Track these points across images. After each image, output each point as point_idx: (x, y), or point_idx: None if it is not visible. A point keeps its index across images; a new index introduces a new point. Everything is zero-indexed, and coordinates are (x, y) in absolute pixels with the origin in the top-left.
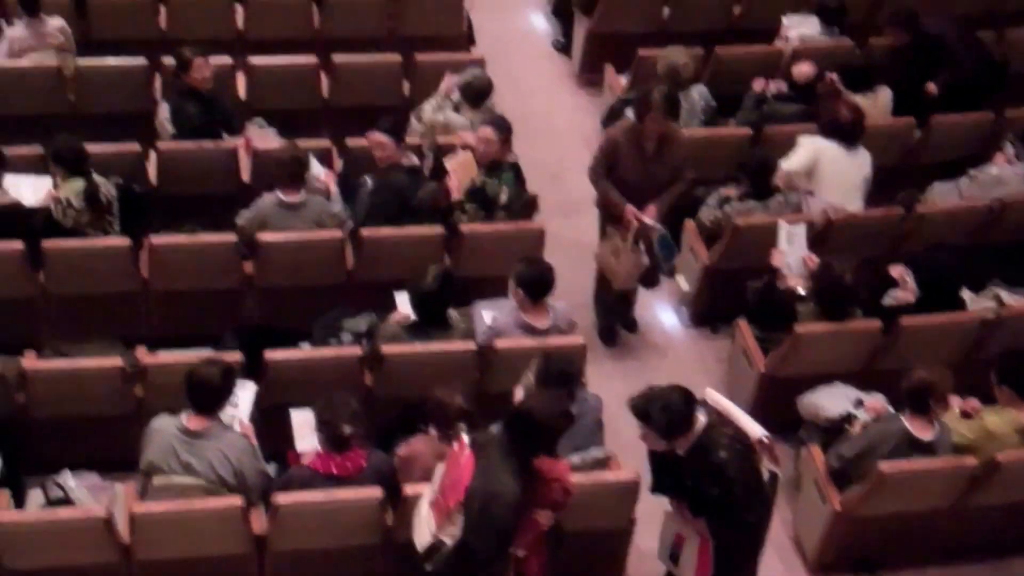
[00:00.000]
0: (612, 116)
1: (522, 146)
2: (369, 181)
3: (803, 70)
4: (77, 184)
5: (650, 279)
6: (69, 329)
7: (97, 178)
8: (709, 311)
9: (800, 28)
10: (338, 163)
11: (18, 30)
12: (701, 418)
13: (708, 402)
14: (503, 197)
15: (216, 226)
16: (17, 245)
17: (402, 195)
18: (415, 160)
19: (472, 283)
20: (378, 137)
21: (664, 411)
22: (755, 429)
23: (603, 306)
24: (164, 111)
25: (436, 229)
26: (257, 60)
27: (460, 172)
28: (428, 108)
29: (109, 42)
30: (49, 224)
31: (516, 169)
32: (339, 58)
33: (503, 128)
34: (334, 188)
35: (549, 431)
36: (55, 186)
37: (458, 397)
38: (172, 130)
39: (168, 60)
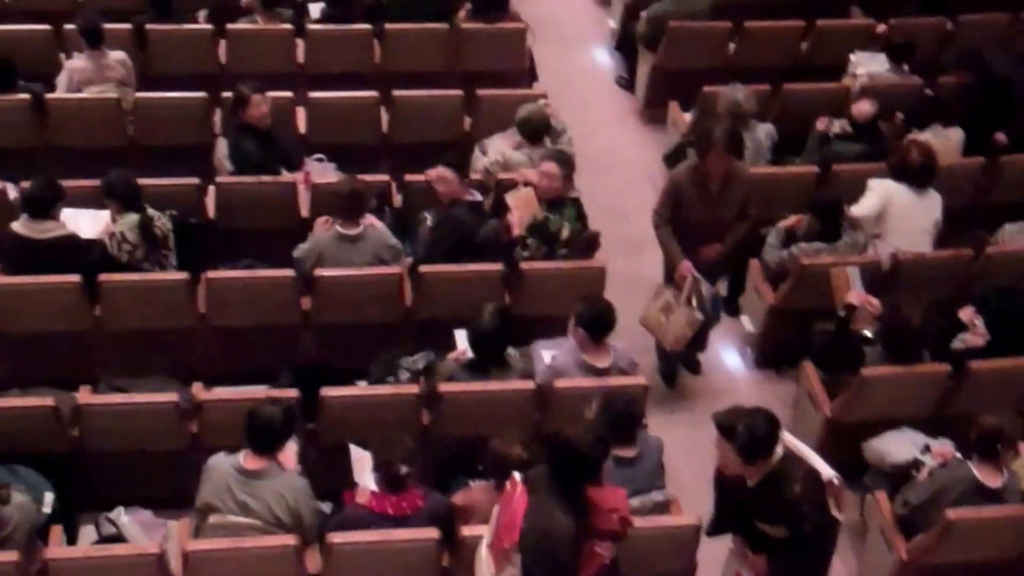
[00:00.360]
0: (675, 156)
1: (585, 183)
2: (429, 217)
3: (863, 109)
4: (132, 218)
5: (700, 340)
6: (124, 364)
7: (151, 212)
8: (774, 353)
9: (868, 65)
10: (397, 198)
11: (79, 62)
12: (778, 450)
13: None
14: (564, 233)
15: (274, 261)
16: (73, 278)
17: (464, 231)
18: (477, 196)
19: (532, 322)
20: (442, 171)
21: (748, 430)
22: (826, 469)
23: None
24: (222, 148)
25: (496, 266)
26: (317, 94)
27: (521, 208)
28: (493, 144)
29: (169, 76)
30: (105, 259)
31: (578, 205)
32: (399, 93)
33: (565, 163)
34: (380, 224)
35: (589, 460)
36: (114, 221)
37: (517, 447)
38: (230, 167)
39: (228, 94)
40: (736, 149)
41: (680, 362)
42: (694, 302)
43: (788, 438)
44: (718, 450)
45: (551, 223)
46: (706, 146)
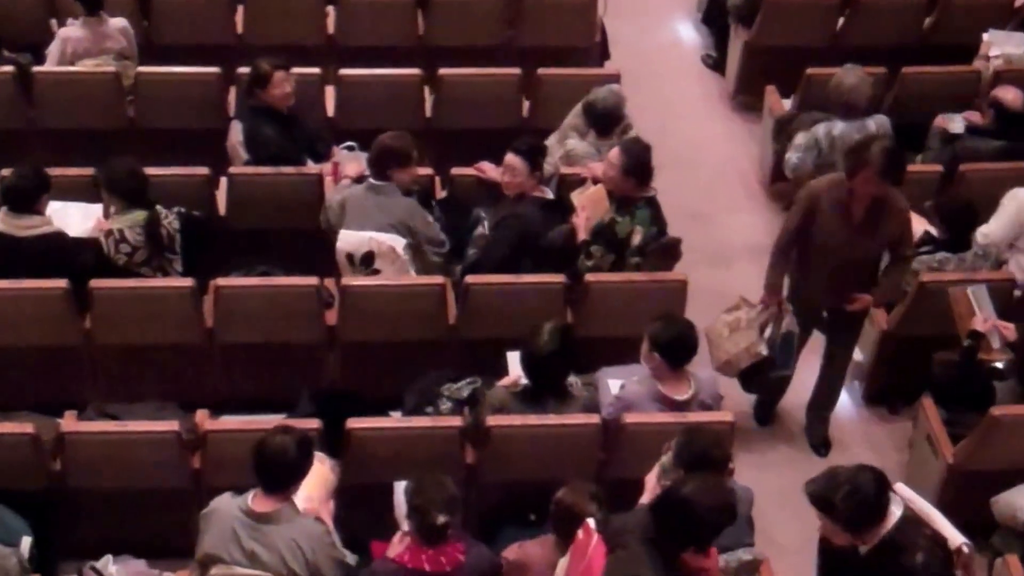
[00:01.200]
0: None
1: (664, 180)
2: (483, 215)
3: (1006, 96)
4: (135, 216)
5: (754, 379)
6: (117, 386)
7: (159, 209)
8: (886, 387)
9: (1004, 46)
10: (441, 194)
11: (74, 30)
12: (895, 510)
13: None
14: (636, 238)
15: (294, 268)
16: (60, 284)
17: (529, 234)
18: (549, 193)
19: (598, 344)
20: (511, 159)
21: (851, 497)
22: (955, 535)
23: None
24: (236, 133)
25: (557, 278)
26: (349, 72)
27: (590, 209)
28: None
29: (176, 48)
30: (98, 261)
31: (654, 206)
32: (446, 71)
33: (637, 153)
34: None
35: (707, 526)
36: (106, 216)
37: (592, 504)
38: (246, 156)
39: (244, 70)
40: (894, 173)
41: (778, 396)
42: (767, 332)
43: (906, 493)
44: (820, 526)
45: (619, 226)
46: (859, 163)
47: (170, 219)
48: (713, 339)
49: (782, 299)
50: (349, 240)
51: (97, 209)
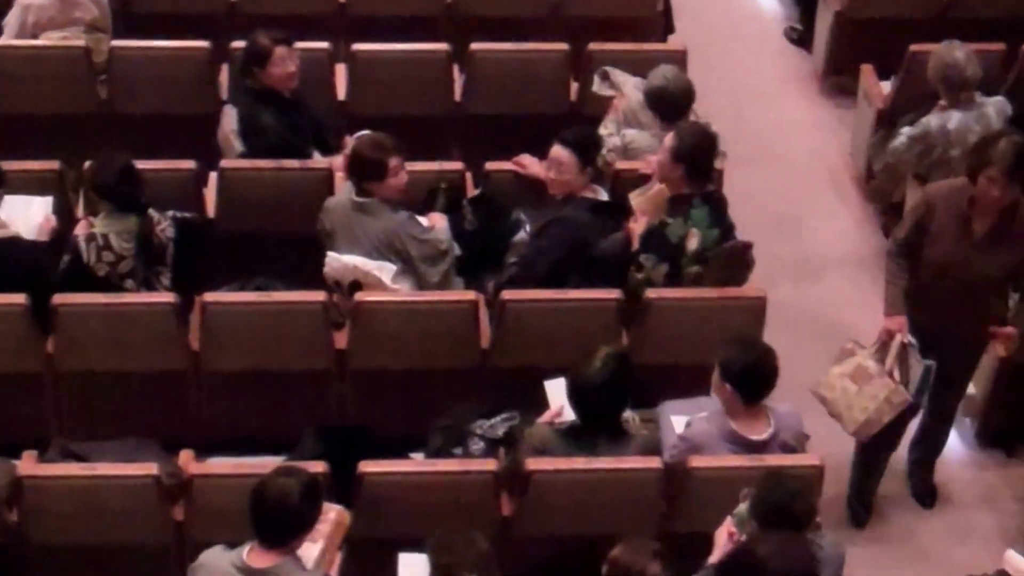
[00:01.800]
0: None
1: (738, 176)
2: (523, 218)
3: None
4: (126, 221)
5: (931, 441)
6: (85, 420)
7: (153, 213)
8: (1004, 425)
9: None
10: (474, 193)
11: None
12: None
13: (1008, 571)
14: (692, 243)
15: (297, 280)
16: (18, 300)
17: (578, 242)
18: (602, 193)
19: (659, 373)
20: (559, 153)
21: None
22: None
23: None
24: (230, 120)
25: (610, 294)
26: (363, 46)
27: (651, 213)
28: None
29: (159, 18)
30: (72, 272)
31: (713, 203)
32: (479, 46)
33: (691, 137)
34: (442, 223)
35: None
36: (61, 213)
37: (653, 563)
38: (241, 147)
39: (239, 45)
40: None
41: (911, 486)
42: (896, 374)
43: (1017, 563)
44: None
45: (670, 229)
46: (981, 162)
47: (164, 225)
48: (835, 399)
49: (904, 324)
50: (334, 266)
51: (44, 203)
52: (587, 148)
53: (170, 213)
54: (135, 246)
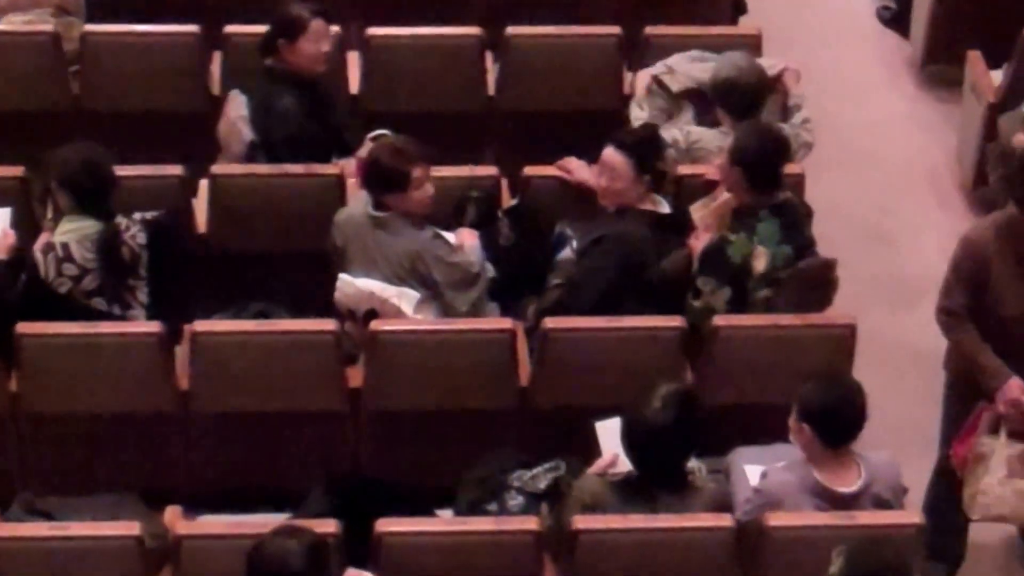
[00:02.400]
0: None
1: (823, 184)
2: (570, 233)
3: None
4: (85, 226)
5: None
6: (55, 471)
7: (119, 218)
8: None
9: None
10: (511, 203)
11: None
12: None
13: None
14: (759, 263)
15: (304, 306)
16: None
17: (634, 262)
18: (664, 205)
19: (730, 414)
20: (612, 157)
21: None
22: None
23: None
24: (238, 105)
25: (672, 321)
26: (380, 31)
27: (716, 228)
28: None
29: None
30: (32, 291)
31: (786, 215)
32: (517, 30)
33: (754, 138)
34: (472, 240)
35: None
36: (48, 226)
37: None
38: (250, 135)
39: (235, 29)
40: None
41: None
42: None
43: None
44: None
45: (732, 247)
46: None
47: (133, 231)
48: (1015, 507)
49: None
50: (348, 292)
51: (2, 216)
52: (646, 152)
53: (137, 216)
54: (97, 256)
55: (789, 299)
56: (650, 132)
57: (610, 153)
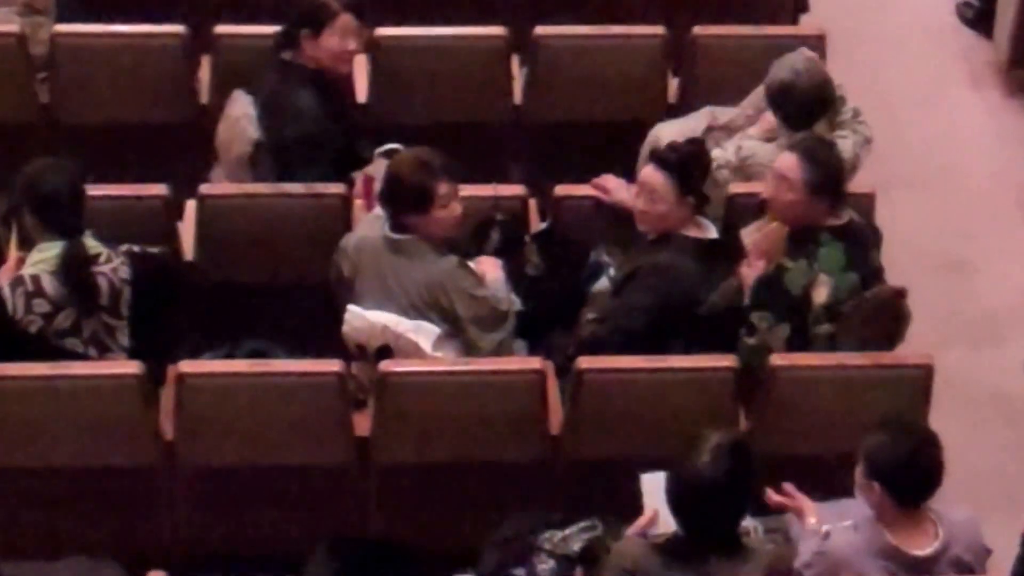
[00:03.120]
0: None
1: (894, 205)
2: (607, 260)
3: None
4: (57, 255)
5: None
6: (24, 534)
7: (91, 242)
8: None
9: None
10: (540, 226)
11: None
12: None
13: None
14: (821, 294)
15: (304, 345)
16: None
17: (679, 295)
18: (711, 229)
19: (788, 467)
20: (652, 177)
21: None
22: None
23: None
24: (243, 104)
25: (723, 361)
26: (392, 31)
27: (771, 254)
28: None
29: None
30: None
31: (851, 237)
32: (547, 31)
33: (824, 160)
34: (495, 272)
35: None
36: (15, 254)
37: None
38: (256, 134)
39: (227, 29)
40: None
41: None
42: None
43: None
44: None
45: (790, 276)
46: None
47: (114, 263)
48: None
49: None
50: (357, 325)
51: None
52: (689, 170)
53: (123, 247)
54: (62, 279)
55: (855, 335)
56: (695, 148)
57: (649, 172)
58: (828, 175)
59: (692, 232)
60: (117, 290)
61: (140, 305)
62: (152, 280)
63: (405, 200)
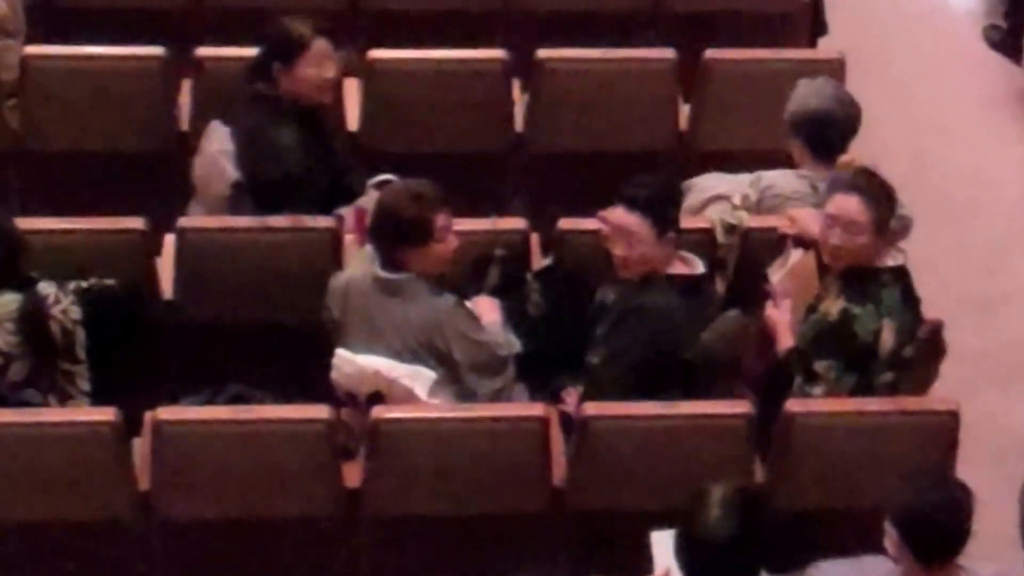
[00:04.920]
0: None
1: (920, 238)
2: (613, 298)
3: None
4: (4, 302)
5: None
6: None
7: (43, 287)
8: None
9: None
10: (543, 263)
11: None
12: None
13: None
14: (887, 341)
15: (290, 389)
16: None
17: (664, 339)
18: (698, 265)
19: (808, 521)
20: (624, 219)
21: None
22: None
23: None
24: (221, 138)
25: (736, 407)
26: (386, 54)
27: (801, 292)
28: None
29: (93, 14)
30: None
31: (903, 280)
32: (550, 54)
33: (881, 199)
34: (493, 316)
35: None
36: None
37: None
38: (235, 174)
39: (209, 52)
40: None
41: None
42: None
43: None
44: None
45: (859, 323)
46: None
47: (64, 304)
48: None
49: None
50: (346, 370)
51: None
52: (663, 208)
53: (71, 285)
54: (22, 335)
55: (913, 380)
56: (665, 181)
57: (621, 215)
58: (890, 209)
59: (679, 268)
60: (69, 332)
61: (97, 344)
62: (107, 315)
63: (400, 234)
